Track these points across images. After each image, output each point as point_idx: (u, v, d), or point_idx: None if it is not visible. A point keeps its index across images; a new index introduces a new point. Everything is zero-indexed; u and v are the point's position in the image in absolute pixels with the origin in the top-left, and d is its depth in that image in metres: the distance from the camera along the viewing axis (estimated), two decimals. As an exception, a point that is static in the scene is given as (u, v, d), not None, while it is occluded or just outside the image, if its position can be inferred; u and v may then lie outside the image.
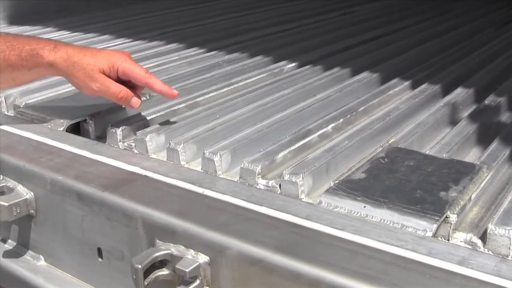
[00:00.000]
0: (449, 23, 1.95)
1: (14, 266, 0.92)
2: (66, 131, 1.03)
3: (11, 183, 0.89)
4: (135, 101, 0.97)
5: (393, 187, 0.75)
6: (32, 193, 0.88)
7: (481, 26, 1.90)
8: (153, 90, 0.99)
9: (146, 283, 0.68)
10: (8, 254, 0.94)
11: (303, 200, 0.77)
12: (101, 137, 1.03)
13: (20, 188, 0.88)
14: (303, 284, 0.60)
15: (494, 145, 0.91)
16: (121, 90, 0.95)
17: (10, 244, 0.96)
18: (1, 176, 0.91)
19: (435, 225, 0.66)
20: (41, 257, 0.91)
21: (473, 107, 1.13)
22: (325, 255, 0.62)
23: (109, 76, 0.95)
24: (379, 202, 0.71)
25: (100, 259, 0.81)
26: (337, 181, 0.77)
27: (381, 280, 0.57)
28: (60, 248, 0.88)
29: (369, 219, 0.69)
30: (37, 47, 0.94)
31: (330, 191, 0.75)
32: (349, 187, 0.75)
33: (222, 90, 1.22)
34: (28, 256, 0.93)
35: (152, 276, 0.68)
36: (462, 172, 0.79)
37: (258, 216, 0.71)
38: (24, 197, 0.87)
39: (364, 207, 0.71)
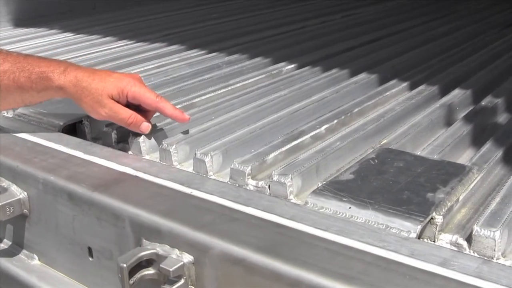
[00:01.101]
0: (452, 25, 1.93)
1: (9, 265, 0.93)
2: (63, 132, 1.04)
3: (5, 183, 0.90)
4: (144, 126, 0.94)
5: (380, 188, 0.75)
6: (25, 193, 0.89)
7: (484, 28, 1.89)
8: (164, 115, 0.96)
9: (131, 282, 0.68)
10: (3, 253, 0.95)
11: (291, 200, 0.77)
12: (97, 138, 1.04)
13: (14, 188, 0.89)
14: (283, 284, 0.60)
15: (487, 146, 0.90)
16: (130, 116, 0.92)
17: (5, 244, 0.97)
18: (-4, 176, 0.93)
19: (419, 226, 0.66)
20: (35, 256, 0.92)
21: (470, 108, 1.12)
22: (306, 256, 0.62)
23: (118, 101, 0.93)
24: (364, 203, 0.71)
25: (90, 258, 0.82)
26: (324, 182, 0.77)
27: (360, 281, 0.57)
28: (52, 247, 0.88)
29: (353, 220, 0.69)
30: (47, 70, 0.92)
31: (317, 191, 0.75)
32: (336, 188, 0.75)
33: (219, 92, 1.22)
34: (23, 255, 0.94)
35: (138, 275, 0.69)
36: (451, 173, 0.79)
37: (243, 216, 0.71)
38: (18, 197, 0.88)
39: (350, 208, 0.71)
